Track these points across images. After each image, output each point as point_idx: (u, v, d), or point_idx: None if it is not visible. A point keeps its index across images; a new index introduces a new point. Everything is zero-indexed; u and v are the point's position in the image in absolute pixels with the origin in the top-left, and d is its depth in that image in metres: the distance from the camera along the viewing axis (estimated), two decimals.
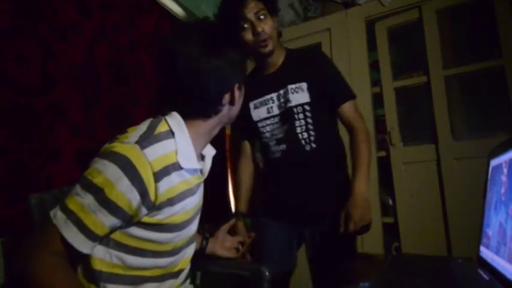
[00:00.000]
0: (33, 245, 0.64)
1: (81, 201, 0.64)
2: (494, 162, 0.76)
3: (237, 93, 0.80)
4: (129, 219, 0.68)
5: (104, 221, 0.65)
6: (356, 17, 2.08)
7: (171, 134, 0.73)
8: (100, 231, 0.65)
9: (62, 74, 1.27)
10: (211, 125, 0.80)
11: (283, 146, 1.20)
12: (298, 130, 1.17)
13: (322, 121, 1.18)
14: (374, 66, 2.07)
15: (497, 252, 0.64)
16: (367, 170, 1.11)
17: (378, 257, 1.02)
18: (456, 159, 1.72)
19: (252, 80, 1.21)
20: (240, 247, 1.08)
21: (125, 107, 1.54)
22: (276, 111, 1.21)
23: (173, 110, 0.78)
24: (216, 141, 0.88)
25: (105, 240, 0.69)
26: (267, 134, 1.22)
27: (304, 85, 1.17)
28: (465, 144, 1.72)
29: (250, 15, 1.11)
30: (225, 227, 1.10)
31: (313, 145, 1.17)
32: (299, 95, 1.17)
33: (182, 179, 0.74)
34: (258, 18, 1.12)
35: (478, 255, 0.77)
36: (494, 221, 0.68)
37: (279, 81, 1.20)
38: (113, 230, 0.68)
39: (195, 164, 0.76)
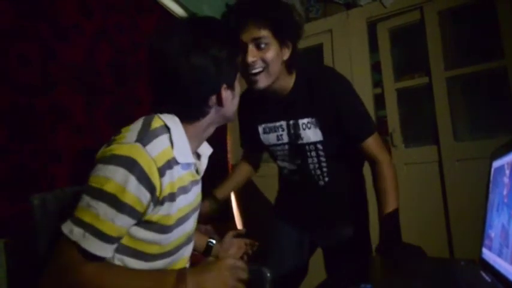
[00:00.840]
0: (60, 268, 0.63)
1: (96, 211, 0.63)
2: (496, 163, 0.75)
3: (225, 93, 0.76)
4: (140, 218, 0.68)
5: (122, 224, 0.65)
6: (357, 18, 2.08)
7: (166, 128, 0.73)
8: (119, 234, 0.66)
9: (63, 74, 1.27)
10: (201, 127, 0.78)
11: (295, 177, 1.19)
12: (311, 167, 1.14)
13: (335, 157, 1.13)
14: (376, 67, 2.07)
15: (499, 254, 0.64)
16: (396, 213, 1.05)
17: (379, 258, 1.01)
18: (458, 160, 1.72)
19: (259, 100, 1.12)
20: (245, 256, 1.07)
21: (126, 107, 1.54)
22: (285, 139, 1.14)
23: (160, 112, 0.76)
24: (217, 142, 0.88)
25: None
26: (280, 158, 1.19)
27: (316, 121, 1.08)
28: (467, 145, 1.72)
29: (247, 40, 0.97)
30: (232, 233, 1.09)
31: (326, 179, 1.16)
32: (311, 131, 1.09)
33: (179, 174, 0.74)
34: (257, 46, 0.98)
35: (480, 257, 0.76)
36: (497, 223, 0.68)
37: (288, 111, 1.10)
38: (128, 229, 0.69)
39: (190, 159, 0.76)
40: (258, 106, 1.15)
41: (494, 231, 0.69)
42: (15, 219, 1.05)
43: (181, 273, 0.70)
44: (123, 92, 1.54)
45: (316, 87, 1.08)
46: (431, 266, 0.84)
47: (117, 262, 0.70)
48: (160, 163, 0.68)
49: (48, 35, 1.24)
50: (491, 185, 0.77)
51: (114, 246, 0.67)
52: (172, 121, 0.74)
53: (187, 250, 0.84)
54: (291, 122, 1.11)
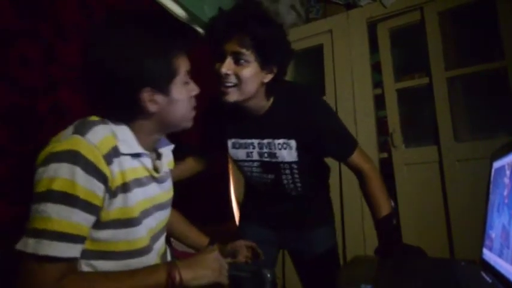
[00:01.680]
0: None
1: (47, 215, 0.60)
2: (497, 164, 0.75)
3: (150, 96, 0.71)
4: (98, 212, 0.66)
5: (79, 220, 0.62)
6: (358, 18, 2.08)
7: (104, 120, 0.71)
8: (79, 232, 0.63)
9: (64, 75, 1.27)
10: (143, 129, 0.75)
11: (267, 188, 1.19)
12: (285, 182, 1.14)
13: (309, 173, 1.15)
14: (376, 68, 2.07)
15: (500, 255, 0.64)
16: (390, 215, 1.03)
17: (380, 259, 1.01)
18: (458, 160, 1.72)
19: (231, 113, 1.08)
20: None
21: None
22: (256, 157, 1.13)
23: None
24: None
25: None
26: (247, 172, 1.19)
27: (293, 142, 1.07)
28: (467, 145, 1.72)
29: (228, 51, 0.95)
30: (245, 243, 1.08)
31: (299, 189, 1.17)
32: (286, 151, 1.08)
33: (130, 165, 0.72)
34: (236, 61, 0.95)
35: (480, 258, 0.76)
36: (497, 223, 0.68)
37: (263, 130, 1.09)
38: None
39: (137, 149, 0.73)
40: (230, 119, 1.11)
41: (494, 232, 0.69)
42: (17, 220, 1.05)
43: (171, 263, 0.72)
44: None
45: (295, 109, 1.05)
46: (431, 267, 0.84)
47: (85, 268, 0.68)
48: (105, 150, 0.65)
49: (49, 35, 1.25)
50: (491, 186, 0.77)
51: (79, 246, 0.64)
52: (109, 118, 0.72)
53: (159, 246, 0.82)
54: (265, 141, 1.09)
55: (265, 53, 0.96)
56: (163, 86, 0.73)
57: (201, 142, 1.27)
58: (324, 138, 1.06)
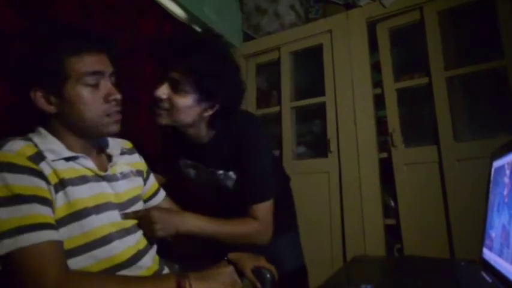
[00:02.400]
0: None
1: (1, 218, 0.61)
2: (496, 163, 0.75)
3: (38, 96, 0.73)
4: (51, 203, 0.67)
5: (32, 212, 0.63)
6: (357, 18, 2.08)
7: (25, 136, 0.73)
8: (40, 220, 0.63)
9: None
10: (63, 131, 0.76)
11: (211, 199, 1.22)
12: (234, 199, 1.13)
13: None
14: (375, 68, 2.07)
15: (500, 255, 0.64)
16: (215, 227, 0.97)
17: (380, 259, 1.01)
18: (458, 160, 1.72)
19: (180, 135, 1.07)
20: None
21: (125, 108, 1.53)
22: (205, 176, 1.15)
23: None
24: None
25: None
26: (199, 189, 1.22)
27: (232, 174, 1.10)
28: (467, 145, 1.72)
29: (167, 75, 0.94)
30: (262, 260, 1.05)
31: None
32: (229, 181, 1.12)
33: (64, 167, 0.72)
34: (173, 87, 0.94)
35: (480, 257, 0.76)
36: (497, 223, 0.68)
37: (206, 159, 1.11)
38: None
39: (66, 154, 0.74)
40: (181, 140, 1.11)
41: (494, 232, 0.69)
42: None
43: (182, 273, 0.72)
44: (123, 93, 1.54)
45: (232, 143, 1.05)
46: (431, 266, 0.84)
47: None
48: (28, 154, 0.67)
49: None
50: (491, 185, 0.77)
51: (49, 231, 0.64)
52: (35, 132, 0.75)
53: (123, 243, 0.79)
54: (210, 169, 1.12)
55: (204, 88, 0.93)
56: (53, 86, 0.73)
57: (159, 160, 1.26)
58: (244, 174, 1.06)
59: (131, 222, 0.84)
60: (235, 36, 2.43)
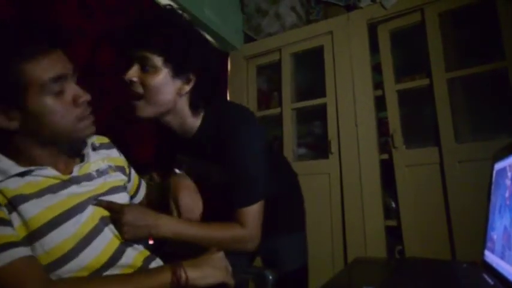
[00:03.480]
0: None
1: None
2: (498, 165, 0.75)
3: (9, 111, 0.65)
4: (10, 224, 0.64)
5: None
6: (358, 20, 2.08)
7: None
8: (10, 239, 0.61)
9: None
10: (31, 144, 0.70)
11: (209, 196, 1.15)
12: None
13: None
14: (376, 69, 2.07)
15: (502, 257, 0.64)
16: (196, 232, 0.89)
17: (381, 260, 1.01)
18: (459, 161, 1.71)
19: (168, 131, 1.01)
20: None
21: (128, 108, 1.54)
22: (199, 171, 1.08)
23: None
24: None
25: None
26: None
27: (220, 166, 1.02)
28: (468, 146, 1.72)
29: (133, 56, 0.88)
30: None
31: None
32: (223, 176, 1.02)
33: (22, 183, 0.67)
34: (142, 67, 0.87)
35: (482, 259, 0.76)
36: (499, 225, 0.68)
37: (198, 154, 1.04)
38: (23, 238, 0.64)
39: (15, 170, 0.67)
40: (174, 136, 1.03)
41: (496, 234, 0.69)
42: None
43: (176, 263, 0.71)
44: (125, 94, 1.54)
45: (220, 136, 0.96)
46: (433, 268, 0.84)
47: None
48: None
49: None
50: (493, 187, 0.77)
51: (21, 248, 0.62)
52: None
53: (103, 242, 0.75)
54: (201, 163, 1.05)
55: (175, 56, 0.87)
56: (11, 99, 0.64)
57: (156, 157, 1.25)
58: (231, 173, 0.97)
59: (97, 218, 0.76)
60: (236, 37, 2.43)
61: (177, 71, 0.89)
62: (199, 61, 0.92)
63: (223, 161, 0.97)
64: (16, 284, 0.59)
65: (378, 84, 2.06)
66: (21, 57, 0.64)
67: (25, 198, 0.66)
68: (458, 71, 1.81)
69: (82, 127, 0.73)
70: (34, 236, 0.65)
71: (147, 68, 0.87)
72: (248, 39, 2.49)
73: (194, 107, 0.96)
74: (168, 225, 0.84)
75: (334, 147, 2.06)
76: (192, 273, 0.69)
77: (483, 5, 1.76)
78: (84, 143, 0.82)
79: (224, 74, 2.45)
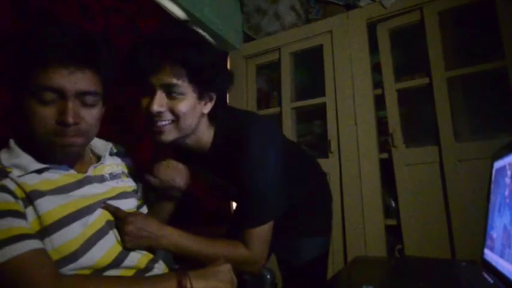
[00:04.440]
0: None
1: None
2: (498, 164, 0.75)
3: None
4: (24, 216, 0.66)
5: (12, 223, 0.62)
6: (357, 19, 2.08)
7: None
8: (23, 231, 0.63)
9: None
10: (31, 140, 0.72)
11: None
12: None
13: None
14: (376, 68, 2.07)
15: (501, 255, 0.64)
16: (198, 247, 0.87)
17: (381, 259, 1.01)
18: (459, 160, 1.71)
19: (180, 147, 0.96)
20: None
21: (126, 109, 1.54)
22: (217, 182, 1.11)
23: None
24: None
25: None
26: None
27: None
28: (468, 145, 1.72)
29: (157, 84, 0.82)
30: None
31: None
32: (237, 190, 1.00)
33: (39, 180, 0.70)
34: (168, 94, 0.83)
35: (482, 258, 0.76)
36: (499, 224, 0.68)
37: (213, 168, 1.02)
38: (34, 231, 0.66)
39: (34, 167, 0.71)
40: (182, 151, 1.00)
41: (496, 232, 0.69)
42: None
43: (182, 271, 0.71)
44: (124, 95, 1.54)
45: (231, 152, 0.92)
46: (433, 267, 0.84)
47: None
48: None
49: None
50: (492, 186, 0.77)
51: (33, 240, 0.63)
52: (3, 150, 0.73)
53: (109, 241, 0.76)
54: (218, 178, 1.04)
55: (202, 81, 0.84)
56: (16, 96, 0.70)
57: None
58: (240, 191, 0.93)
59: (104, 221, 0.77)
60: (235, 37, 2.43)
61: (203, 94, 0.87)
62: (222, 81, 0.91)
63: (235, 178, 0.93)
64: (26, 275, 0.60)
65: (378, 83, 2.05)
66: (35, 60, 0.66)
67: (41, 193, 0.69)
68: (458, 70, 1.81)
69: (58, 143, 0.70)
70: (46, 231, 0.67)
71: (174, 95, 0.83)
72: (247, 38, 2.49)
73: (212, 122, 0.95)
74: (170, 238, 0.84)
75: (333, 147, 2.06)
76: (197, 284, 0.69)
77: (483, 4, 1.76)
78: (97, 145, 0.86)
79: None
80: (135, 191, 0.91)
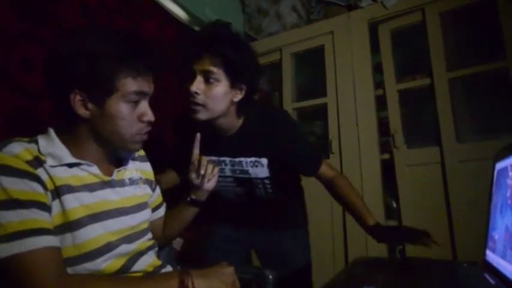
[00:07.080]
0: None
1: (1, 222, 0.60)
2: (499, 165, 0.75)
3: (77, 101, 0.71)
4: (49, 208, 0.66)
5: (29, 216, 0.62)
6: (359, 19, 2.08)
7: (30, 139, 0.72)
8: (43, 225, 0.63)
9: None
10: (84, 136, 0.76)
11: (239, 197, 1.24)
12: (258, 193, 1.21)
13: (281, 184, 1.20)
14: (377, 69, 2.07)
15: (503, 256, 0.64)
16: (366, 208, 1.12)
17: (382, 260, 1.01)
18: (460, 161, 1.71)
19: (201, 130, 1.05)
20: None
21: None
22: (228, 173, 1.16)
23: None
24: None
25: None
26: (220, 187, 1.17)
27: (264, 160, 1.12)
28: (469, 146, 1.71)
29: (198, 69, 0.98)
30: None
31: (272, 198, 1.22)
32: (258, 169, 1.13)
33: (65, 175, 0.71)
34: (206, 79, 0.98)
35: (483, 259, 0.76)
36: (500, 225, 0.68)
37: (235, 149, 1.12)
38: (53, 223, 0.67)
39: (68, 160, 0.72)
40: (203, 137, 1.07)
41: (497, 233, 0.69)
42: None
43: (184, 270, 0.72)
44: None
45: (267, 128, 1.09)
46: (434, 268, 0.84)
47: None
48: (26, 158, 0.66)
49: (50, 37, 1.25)
50: (494, 187, 0.77)
51: (51, 236, 0.64)
52: (43, 134, 0.75)
53: (123, 249, 0.77)
54: (237, 159, 1.13)
55: (235, 71, 0.99)
56: (96, 95, 0.72)
57: (174, 159, 1.27)
58: (295, 158, 1.14)
59: (133, 230, 0.80)
60: None
61: (234, 83, 1.01)
62: (253, 74, 1.04)
63: (268, 150, 1.10)
64: (35, 272, 0.60)
65: (379, 84, 2.05)
66: (127, 72, 0.72)
67: (69, 189, 0.70)
68: (459, 71, 1.81)
69: (136, 140, 0.78)
70: (70, 226, 0.68)
71: (211, 81, 0.98)
72: (249, 39, 2.49)
73: (240, 112, 1.08)
74: None
75: (335, 147, 2.06)
76: (199, 283, 0.70)
77: (484, 5, 1.76)
78: (127, 151, 0.88)
79: None
80: (148, 200, 0.92)
